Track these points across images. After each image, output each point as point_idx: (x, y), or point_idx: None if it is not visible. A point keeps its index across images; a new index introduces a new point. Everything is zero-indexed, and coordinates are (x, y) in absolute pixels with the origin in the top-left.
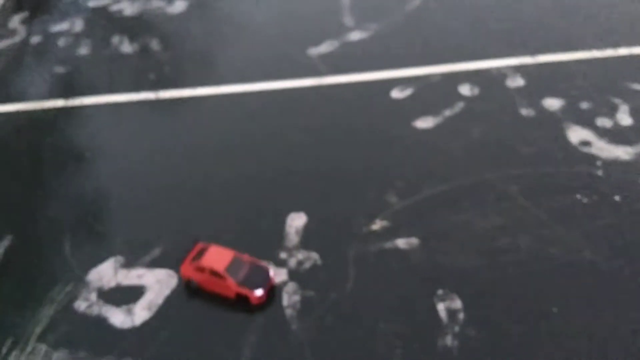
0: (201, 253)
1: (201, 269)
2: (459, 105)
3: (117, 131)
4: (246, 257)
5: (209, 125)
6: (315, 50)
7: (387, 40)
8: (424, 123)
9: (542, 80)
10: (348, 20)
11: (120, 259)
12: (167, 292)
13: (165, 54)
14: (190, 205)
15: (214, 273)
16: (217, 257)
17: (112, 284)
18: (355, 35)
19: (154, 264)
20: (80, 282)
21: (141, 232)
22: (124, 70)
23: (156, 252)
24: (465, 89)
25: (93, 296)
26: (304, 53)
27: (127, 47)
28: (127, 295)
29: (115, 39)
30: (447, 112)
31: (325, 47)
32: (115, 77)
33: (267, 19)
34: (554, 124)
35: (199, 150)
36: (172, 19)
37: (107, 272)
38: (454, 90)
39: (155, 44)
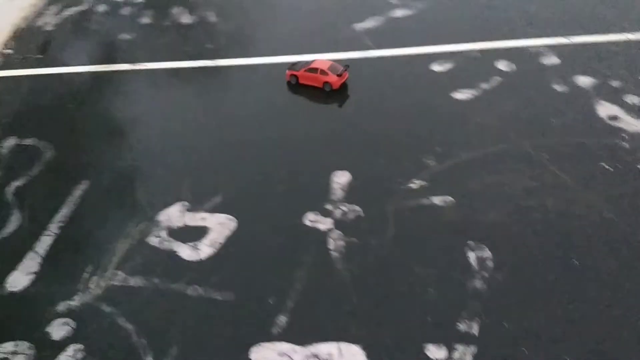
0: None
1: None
2: (496, 80)
3: (178, 93)
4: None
5: (262, 91)
6: (361, 26)
7: (429, 17)
8: (462, 95)
9: (576, 59)
10: None
11: (186, 204)
12: (227, 232)
13: (221, 25)
14: (246, 161)
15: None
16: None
17: (180, 224)
18: (400, 12)
19: (215, 210)
20: (152, 221)
21: (203, 183)
22: (183, 39)
23: (217, 200)
24: (502, 65)
25: (164, 234)
26: (350, 28)
27: (186, 18)
28: (193, 234)
29: (175, 10)
30: (484, 85)
31: (370, 23)
32: (174, 45)
33: None
34: (585, 99)
35: (253, 114)
36: None
37: (175, 214)
38: (491, 65)
39: (212, 16)
